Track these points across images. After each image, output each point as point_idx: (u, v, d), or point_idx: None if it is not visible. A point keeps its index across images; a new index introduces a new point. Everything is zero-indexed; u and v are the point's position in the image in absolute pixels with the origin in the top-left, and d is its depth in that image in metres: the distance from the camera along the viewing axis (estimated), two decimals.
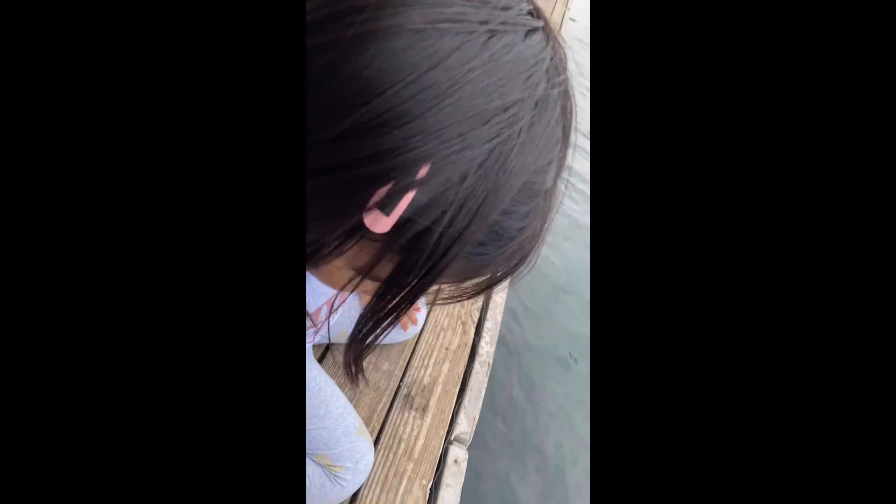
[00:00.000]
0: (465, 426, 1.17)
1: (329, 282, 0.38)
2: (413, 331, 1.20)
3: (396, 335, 1.17)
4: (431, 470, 1.04)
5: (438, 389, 1.18)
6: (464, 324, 1.38)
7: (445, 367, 1.24)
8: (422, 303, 1.22)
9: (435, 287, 0.35)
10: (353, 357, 0.39)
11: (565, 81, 0.31)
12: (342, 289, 0.36)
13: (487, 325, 1.45)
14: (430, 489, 1.01)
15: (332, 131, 0.27)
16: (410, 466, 1.01)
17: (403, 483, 0.99)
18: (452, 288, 0.38)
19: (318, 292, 0.64)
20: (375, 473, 0.98)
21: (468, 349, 1.33)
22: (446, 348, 1.28)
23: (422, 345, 1.25)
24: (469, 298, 0.38)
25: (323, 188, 0.28)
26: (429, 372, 1.21)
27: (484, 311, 1.48)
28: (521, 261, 0.35)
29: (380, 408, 1.08)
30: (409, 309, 0.34)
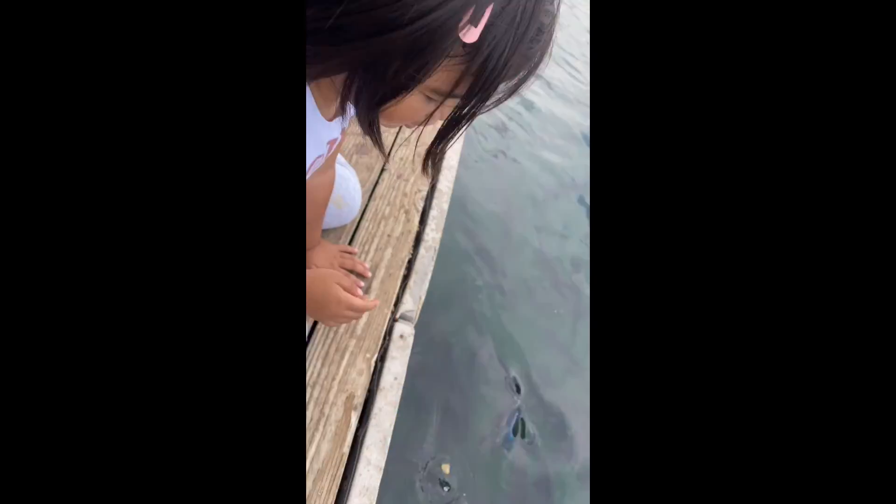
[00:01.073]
0: (411, 305, 1.18)
1: (409, 118, 0.51)
2: (348, 214, 1.18)
3: (331, 220, 1.15)
4: (376, 345, 1.05)
5: (381, 273, 1.18)
6: (407, 212, 1.36)
7: (388, 252, 1.23)
8: (354, 185, 1.19)
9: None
10: (434, 157, 0.53)
11: None
12: (424, 120, 0.50)
13: (433, 213, 1.43)
14: (376, 362, 1.03)
15: None
16: (353, 342, 1.03)
17: (346, 357, 1.00)
18: (493, 99, 0.46)
19: (318, 139, 0.66)
20: (316, 349, 0.99)
21: (412, 236, 1.32)
22: (388, 235, 1.27)
23: (361, 232, 1.23)
24: (501, 102, 0.47)
25: (431, 24, 0.37)
26: (370, 257, 1.20)
27: (429, 200, 1.46)
28: (543, 56, 0.45)
29: None
30: (480, 113, 0.46)
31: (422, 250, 1.32)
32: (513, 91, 0.46)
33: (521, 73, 0.45)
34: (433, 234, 1.38)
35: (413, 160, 1.51)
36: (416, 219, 1.36)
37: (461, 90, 0.44)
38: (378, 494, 0.86)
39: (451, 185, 1.56)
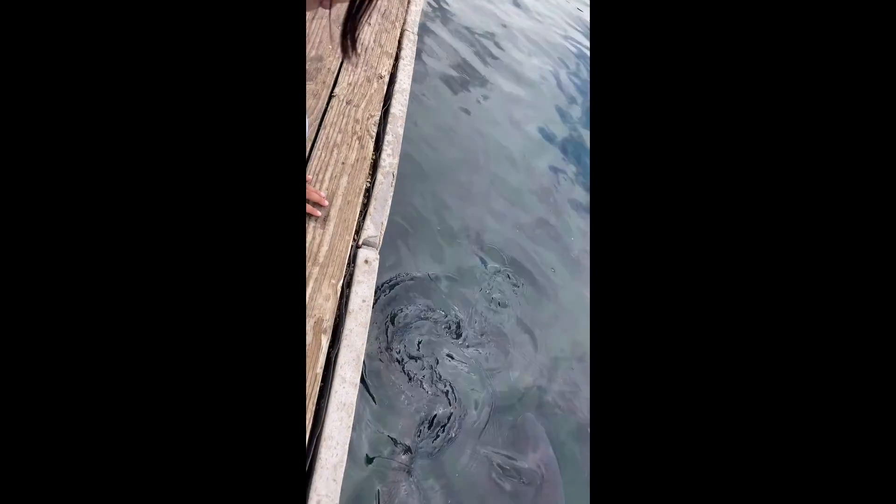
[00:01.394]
0: (373, 231, 1.18)
1: None
2: None
3: None
4: (340, 271, 1.05)
5: (339, 201, 1.17)
6: (360, 139, 1.33)
7: (344, 180, 1.21)
8: None
9: None
10: (351, 30, 0.53)
11: None
12: None
13: (388, 138, 1.41)
14: (342, 287, 1.04)
15: None
16: (316, 270, 1.03)
17: (311, 284, 1.00)
18: None
19: None
20: None
21: (368, 163, 1.29)
22: (343, 163, 1.25)
23: (314, 161, 1.21)
24: None
25: None
26: (325, 186, 1.18)
27: (382, 125, 1.43)
28: None
29: None
30: None
31: (379, 176, 1.31)
32: None
33: None
34: (390, 160, 1.36)
35: (362, 84, 1.46)
36: (371, 145, 1.34)
37: None
38: (356, 408, 0.89)
39: (404, 109, 1.52)
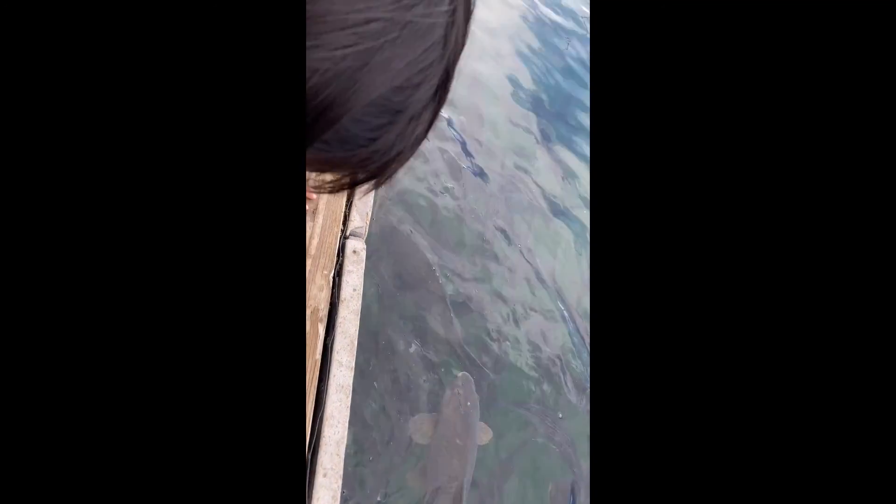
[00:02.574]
0: (359, 221, 1.25)
1: None
2: None
3: None
4: (331, 262, 1.12)
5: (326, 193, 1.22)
6: None
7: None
8: None
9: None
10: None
11: (455, 14, 0.32)
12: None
13: None
14: (333, 277, 1.11)
15: None
16: (309, 262, 1.09)
17: (305, 276, 1.07)
18: (318, 179, 0.41)
19: None
20: None
21: None
22: None
23: None
24: (333, 192, 0.40)
25: None
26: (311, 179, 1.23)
27: None
28: (379, 172, 0.37)
29: None
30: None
31: None
32: (342, 187, 0.42)
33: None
34: None
35: None
36: None
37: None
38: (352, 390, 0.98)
39: None
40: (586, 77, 2.88)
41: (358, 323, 1.07)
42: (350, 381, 0.98)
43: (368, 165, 0.37)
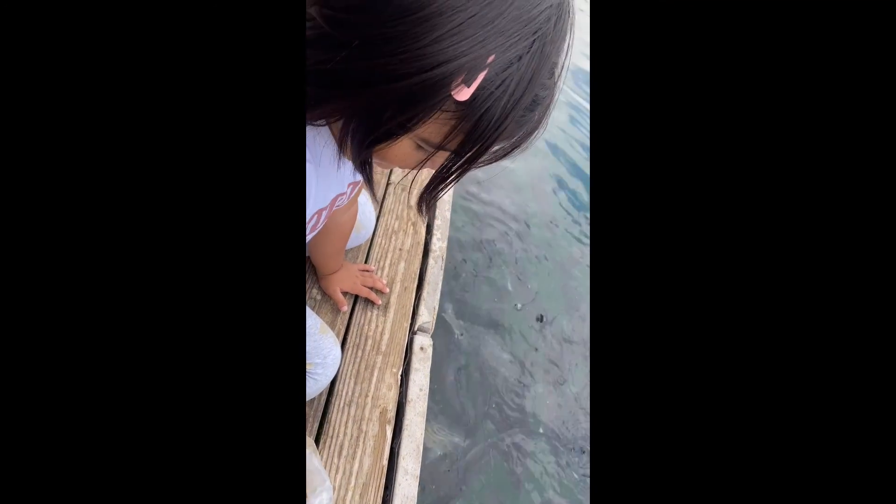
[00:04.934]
0: (427, 317, 1.25)
1: (400, 162, 0.50)
2: (364, 235, 1.23)
3: (350, 242, 1.20)
4: (400, 359, 1.12)
5: (398, 287, 1.25)
6: (414, 224, 1.41)
7: (401, 266, 1.29)
8: (369, 210, 1.24)
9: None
10: (425, 205, 0.54)
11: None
12: (415, 165, 0.49)
13: (437, 222, 1.49)
14: (401, 375, 1.10)
15: (426, 38, 0.38)
16: (380, 359, 1.10)
17: (375, 374, 1.07)
18: (486, 158, 0.48)
19: (330, 189, 0.67)
20: (347, 369, 1.06)
21: (421, 247, 1.38)
22: (400, 249, 1.33)
23: (375, 248, 1.29)
24: (491, 163, 0.48)
25: (427, 80, 0.39)
26: (385, 273, 1.26)
27: (433, 210, 1.52)
28: (538, 125, 0.47)
29: (344, 311, 1.14)
30: (471, 168, 0.47)
31: (430, 261, 1.39)
32: (503, 155, 0.48)
33: (513, 139, 0.46)
34: (439, 244, 1.44)
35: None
36: (423, 229, 1.43)
37: (452, 144, 0.44)
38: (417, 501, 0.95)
39: (451, 192, 1.62)
40: None
41: (423, 426, 1.05)
42: (415, 491, 0.95)
43: (538, 123, 0.47)
